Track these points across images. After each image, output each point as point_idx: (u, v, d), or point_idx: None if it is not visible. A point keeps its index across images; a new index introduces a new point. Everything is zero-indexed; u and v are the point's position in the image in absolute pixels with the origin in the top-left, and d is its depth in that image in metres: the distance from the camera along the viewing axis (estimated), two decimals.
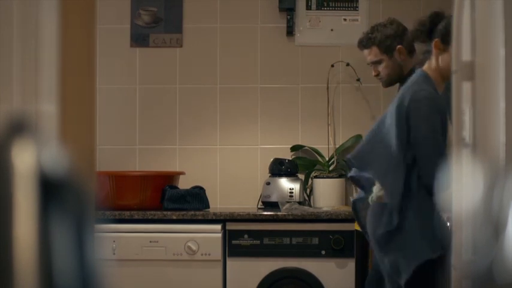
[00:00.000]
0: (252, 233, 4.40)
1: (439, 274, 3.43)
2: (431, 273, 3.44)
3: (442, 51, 3.51)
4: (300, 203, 4.67)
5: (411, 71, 3.89)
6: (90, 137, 1.80)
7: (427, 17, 3.55)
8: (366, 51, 4.27)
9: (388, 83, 4.24)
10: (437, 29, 3.51)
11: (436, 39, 3.51)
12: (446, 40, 3.49)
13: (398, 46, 4.14)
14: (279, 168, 4.82)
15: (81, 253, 0.72)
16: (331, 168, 4.93)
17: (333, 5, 5.07)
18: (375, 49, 4.21)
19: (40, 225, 0.69)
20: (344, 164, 4.94)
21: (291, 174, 4.82)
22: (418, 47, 3.95)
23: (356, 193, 3.93)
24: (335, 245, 4.36)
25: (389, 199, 3.34)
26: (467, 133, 2.57)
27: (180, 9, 5.10)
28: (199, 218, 4.42)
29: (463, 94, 2.59)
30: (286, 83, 5.07)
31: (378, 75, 4.24)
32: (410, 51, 4.19)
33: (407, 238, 3.30)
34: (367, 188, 3.51)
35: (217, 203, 4.99)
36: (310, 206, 4.84)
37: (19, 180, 0.69)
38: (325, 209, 4.62)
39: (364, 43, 4.26)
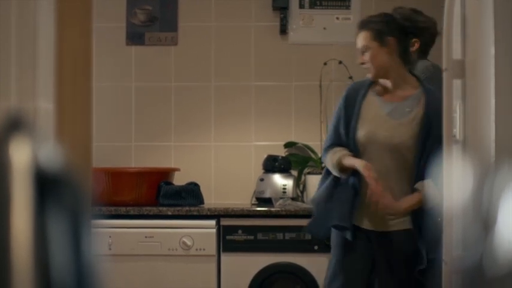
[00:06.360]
0: (246, 229, 4.41)
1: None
2: None
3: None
4: (293, 199, 4.69)
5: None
6: (87, 134, 1.81)
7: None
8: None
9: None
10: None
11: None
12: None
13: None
14: (272, 165, 4.84)
15: (77, 249, 0.72)
16: (323, 165, 4.93)
17: (326, 3, 5.08)
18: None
19: (36, 221, 0.69)
20: None
21: (284, 170, 4.83)
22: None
23: None
24: (327, 240, 4.37)
25: None
26: (457, 130, 2.60)
27: (175, 8, 5.11)
28: (194, 213, 4.43)
29: (453, 91, 2.62)
30: (280, 80, 5.09)
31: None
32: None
33: None
34: None
35: (212, 199, 5.00)
36: (303, 201, 4.85)
37: (16, 176, 0.69)
38: None
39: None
